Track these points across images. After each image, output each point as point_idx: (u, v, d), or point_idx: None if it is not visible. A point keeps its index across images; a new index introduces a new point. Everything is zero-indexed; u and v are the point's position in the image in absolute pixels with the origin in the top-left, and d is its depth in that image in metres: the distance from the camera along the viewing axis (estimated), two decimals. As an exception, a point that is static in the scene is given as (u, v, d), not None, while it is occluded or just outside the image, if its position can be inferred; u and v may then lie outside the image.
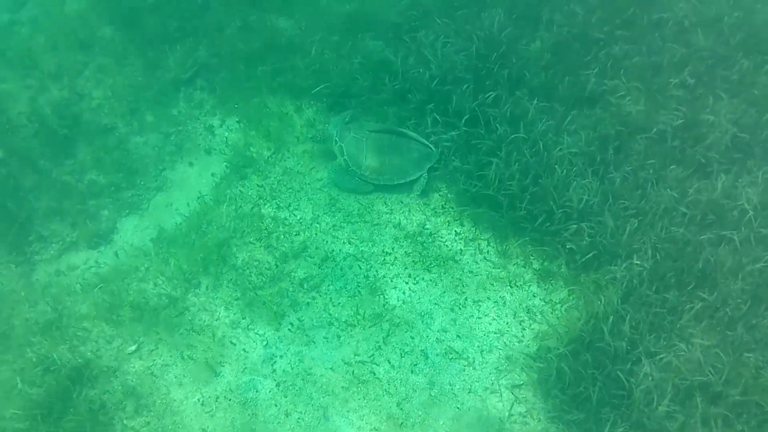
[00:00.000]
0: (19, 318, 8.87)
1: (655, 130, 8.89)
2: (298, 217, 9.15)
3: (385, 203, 9.19)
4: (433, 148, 9.22)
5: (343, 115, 9.68)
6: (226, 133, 10.23)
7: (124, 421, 8.03)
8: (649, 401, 7.15)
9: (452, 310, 8.24)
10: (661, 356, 7.35)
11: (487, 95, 9.24)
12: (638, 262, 7.91)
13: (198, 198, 9.54)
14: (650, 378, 7.24)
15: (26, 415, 7.98)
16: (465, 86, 9.35)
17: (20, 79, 10.93)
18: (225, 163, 9.84)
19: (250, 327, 8.38)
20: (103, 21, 11.55)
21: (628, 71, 9.43)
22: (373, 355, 8.04)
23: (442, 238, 8.77)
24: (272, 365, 8.11)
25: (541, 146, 8.75)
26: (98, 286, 8.90)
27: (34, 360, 8.37)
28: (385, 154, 9.12)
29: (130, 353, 8.41)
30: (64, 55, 11.17)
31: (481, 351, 7.97)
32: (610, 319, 7.55)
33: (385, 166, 9.11)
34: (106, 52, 11.18)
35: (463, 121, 9.09)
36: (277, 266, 8.73)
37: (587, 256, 8.10)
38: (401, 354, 8.02)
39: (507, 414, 7.59)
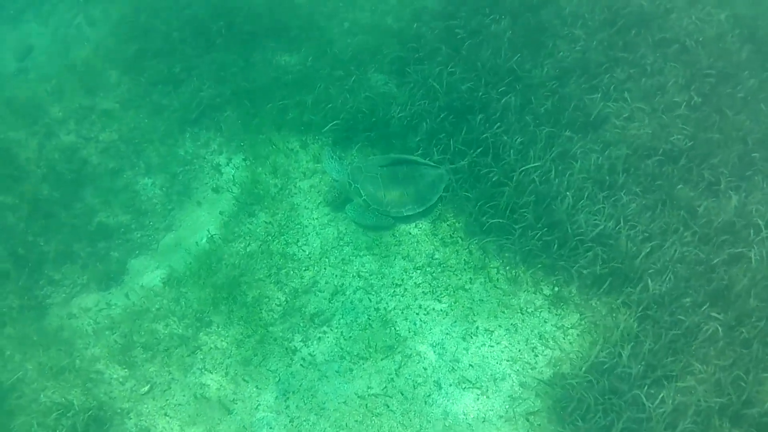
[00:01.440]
0: (32, 362, 8.86)
1: (661, 150, 8.88)
2: (307, 252, 9.15)
3: (393, 235, 9.18)
4: (442, 169, 9.26)
5: (327, 152, 9.81)
6: (233, 171, 10.28)
7: (140, 463, 8.00)
8: (669, 425, 7.04)
9: (464, 339, 8.18)
10: (679, 378, 7.26)
11: (495, 124, 9.26)
12: (652, 285, 7.85)
13: (207, 237, 9.55)
14: (669, 401, 7.14)
15: (42, 461, 7.99)
16: (472, 116, 9.38)
17: (28, 126, 11.04)
18: (233, 201, 9.88)
19: (262, 364, 8.34)
20: (107, 66, 11.73)
21: (632, 93, 9.49)
22: (386, 387, 7.98)
23: (451, 267, 8.74)
24: (285, 401, 8.06)
25: (551, 173, 8.73)
26: (110, 328, 8.89)
27: (49, 404, 8.36)
28: (402, 185, 9.11)
29: (143, 394, 8.39)
30: (70, 101, 11.31)
31: (495, 379, 7.89)
32: (628, 344, 7.47)
33: (405, 197, 9.10)
34: (111, 96, 11.31)
35: (472, 149, 9.11)
36: (287, 302, 8.71)
37: (599, 281, 8.05)
38: (414, 385, 7.96)
39: (523, 442, 7.51)
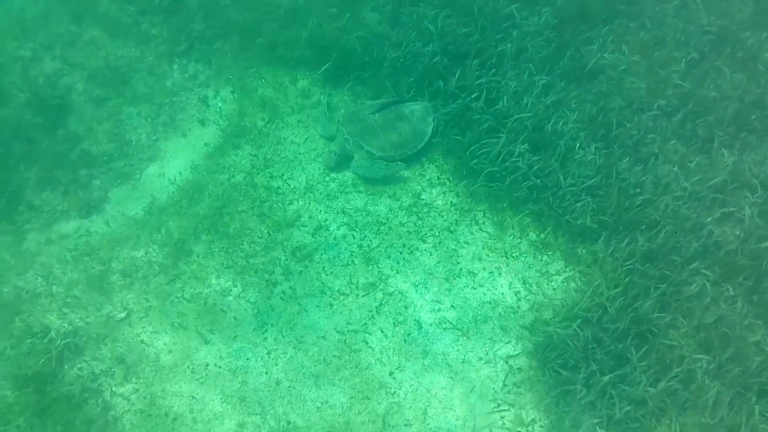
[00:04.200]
0: (8, 286, 8.72)
1: (656, 105, 8.79)
2: (292, 187, 9.01)
3: (379, 175, 9.06)
4: (424, 101, 9.22)
5: (320, 109, 9.66)
6: (220, 104, 10.08)
7: (113, 388, 7.90)
8: (652, 379, 7.02)
9: (447, 280, 8.11)
10: (664, 333, 7.22)
11: (491, 71, 9.12)
12: (641, 239, 7.78)
13: (191, 167, 9.39)
14: (653, 355, 7.11)
15: (15, 383, 7.86)
16: (467, 61, 9.23)
17: (12, 50, 10.75)
18: (219, 133, 9.69)
19: (241, 295, 8.24)
20: (96, -8, 11.43)
21: (630, 46, 9.35)
22: (365, 324, 7.92)
23: (437, 209, 8.64)
24: (263, 333, 7.98)
25: (545, 122, 8.61)
26: (88, 255, 8.76)
27: (23, 328, 8.24)
28: (397, 126, 8.98)
29: (119, 320, 8.28)
30: (56, 26, 11.01)
31: (476, 321, 7.84)
32: (611, 295, 7.40)
33: (404, 137, 8.96)
34: (99, 24, 11.00)
35: (464, 94, 8.96)
36: (269, 235, 8.59)
37: (588, 231, 8.00)
38: (394, 323, 7.90)
39: (501, 384, 7.47)
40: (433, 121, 9.09)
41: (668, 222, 7.90)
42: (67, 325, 8.24)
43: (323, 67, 9.74)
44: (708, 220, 7.95)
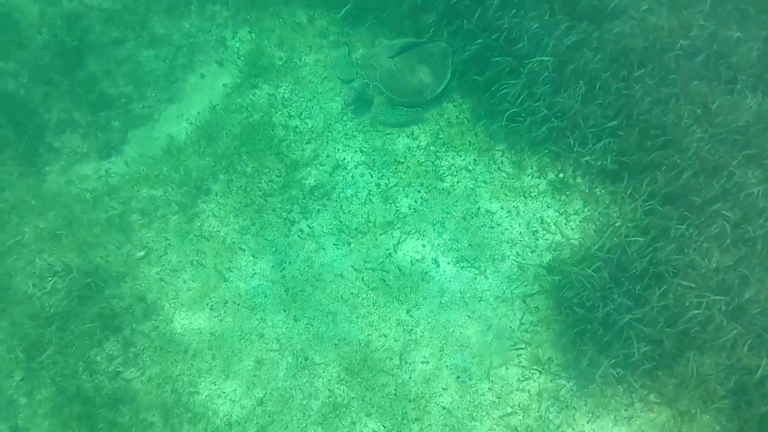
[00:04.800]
0: (29, 226, 8.84)
1: (679, 45, 8.63)
2: (310, 126, 8.98)
3: (398, 113, 9.00)
4: (441, 42, 9.07)
5: (342, 52, 9.50)
6: (238, 44, 10.00)
7: (133, 325, 8.04)
8: (670, 320, 7.01)
9: (464, 219, 8.10)
10: (682, 274, 7.18)
11: (512, 11, 8.97)
12: (661, 179, 7.71)
13: (209, 108, 9.38)
14: (670, 295, 7.08)
15: (38, 320, 8.01)
16: (487, 0, 9.07)
17: (30, -9, 10.74)
18: (236, 74, 9.65)
19: (259, 233, 8.30)
20: (113, -67, 11.34)
21: (653, -15, 9.15)
22: (383, 262, 7.95)
23: (455, 148, 8.58)
24: (281, 271, 8.04)
25: (566, 63, 8.47)
26: (108, 194, 8.83)
27: (45, 266, 8.38)
28: (417, 69, 8.84)
29: (139, 258, 8.38)
30: (75, -33, 10.97)
31: (493, 260, 7.84)
32: (629, 235, 7.36)
33: (424, 81, 8.84)
34: (116, -35, 10.96)
35: (485, 34, 8.81)
36: (287, 173, 8.60)
37: (608, 172, 7.93)
38: (412, 262, 7.92)
39: (518, 323, 7.49)
40: (452, 63, 8.98)
41: (689, 164, 7.80)
42: (88, 264, 8.32)
43: (343, 10, 9.57)
44: (730, 162, 7.84)
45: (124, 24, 10.36)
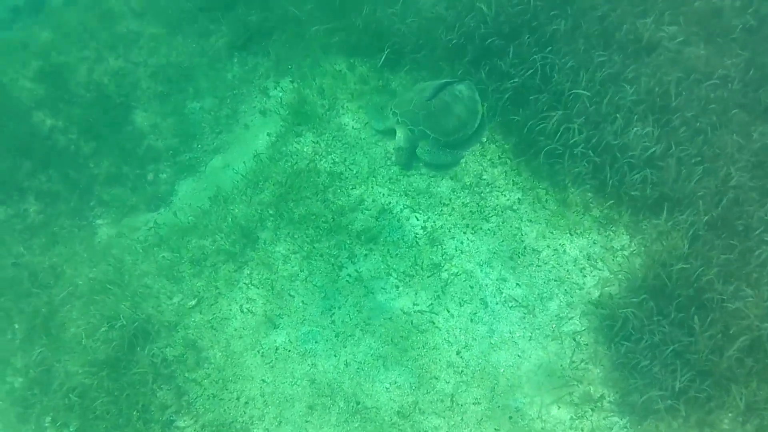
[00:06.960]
0: (82, 278, 9.07)
1: (716, 75, 8.65)
2: (354, 171, 9.11)
3: (441, 156, 9.10)
4: (464, 80, 9.33)
5: (371, 104, 9.66)
6: (281, 94, 10.22)
7: (186, 374, 8.14)
8: (716, 348, 6.95)
9: (511, 258, 8.13)
10: (729, 303, 7.13)
11: (547, 48, 9.07)
12: (703, 208, 7.69)
13: (254, 157, 9.56)
14: (718, 325, 7.03)
15: (92, 370, 8.16)
16: (521, 39, 9.18)
17: (78, 51, 11.13)
18: (280, 123, 9.83)
19: (308, 279, 8.39)
20: (155, -8, 11.72)
21: (687, 17, 9.18)
22: (431, 304, 7.99)
23: (499, 188, 8.64)
24: (331, 316, 8.11)
25: (601, 96, 8.53)
26: (158, 245, 9.03)
27: (98, 317, 8.53)
28: (453, 108, 8.97)
29: (190, 308, 8.51)
30: (119, 26, 11.33)
31: (542, 299, 7.85)
32: (676, 266, 7.34)
33: (462, 118, 8.99)
34: (159, 21, 11.31)
35: (522, 71, 8.91)
36: (334, 220, 8.70)
37: (650, 204, 7.93)
38: (460, 303, 7.95)
39: (569, 361, 7.47)
40: (479, 98, 9.15)
41: (731, 191, 7.78)
42: (140, 314, 8.49)
43: (382, 56, 9.72)
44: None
45: (169, 78, 10.68)
